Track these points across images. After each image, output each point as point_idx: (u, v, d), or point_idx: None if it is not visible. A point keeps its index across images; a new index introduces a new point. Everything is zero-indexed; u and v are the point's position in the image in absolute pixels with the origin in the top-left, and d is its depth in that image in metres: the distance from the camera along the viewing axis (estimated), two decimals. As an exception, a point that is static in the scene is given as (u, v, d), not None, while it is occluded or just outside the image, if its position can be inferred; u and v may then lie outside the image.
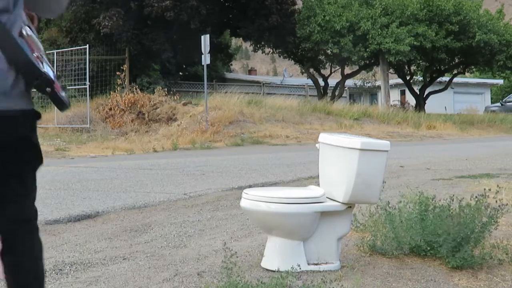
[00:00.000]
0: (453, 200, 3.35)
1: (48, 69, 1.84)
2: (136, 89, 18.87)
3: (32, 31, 1.86)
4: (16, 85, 1.77)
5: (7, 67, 1.72)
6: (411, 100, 31.25)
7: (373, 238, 3.57)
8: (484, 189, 3.56)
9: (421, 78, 31.22)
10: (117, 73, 19.29)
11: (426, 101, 29.45)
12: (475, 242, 3.24)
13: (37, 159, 1.96)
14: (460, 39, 25.55)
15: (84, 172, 8.70)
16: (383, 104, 26.38)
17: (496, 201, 3.44)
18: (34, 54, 1.80)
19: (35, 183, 1.99)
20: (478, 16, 26.08)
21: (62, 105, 1.91)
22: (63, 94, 1.89)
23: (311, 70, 29.50)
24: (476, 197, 3.40)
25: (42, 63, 1.82)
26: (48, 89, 1.83)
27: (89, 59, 17.23)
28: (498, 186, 3.79)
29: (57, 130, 16.19)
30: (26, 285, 1.86)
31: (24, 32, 1.80)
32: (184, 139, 15.61)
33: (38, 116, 1.92)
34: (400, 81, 32.38)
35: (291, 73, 47.05)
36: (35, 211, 1.98)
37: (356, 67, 30.02)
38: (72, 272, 3.33)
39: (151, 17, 21.29)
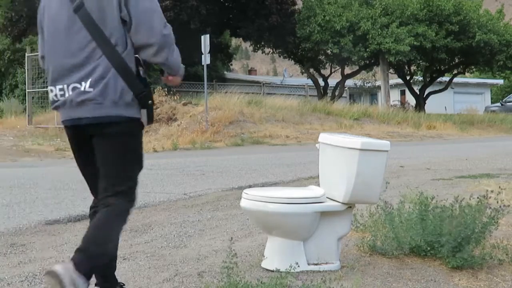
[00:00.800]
0: (457, 201, 3.35)
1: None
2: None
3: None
4: (123, 97, 2.31)
5: (124, 83, 2.31)
6: (411, 100, 31.25)
7: (373, 238, 3.57)
8: (487, 190, 3.56)
9: (421, 78, 31.23)
10: (117, 73, 19.29)
11: (426, 101, 29.45)
12: (476, 242, 3.24)
13: (133, 159, 2.44)
14: (460, 39, 25.56)
15: (84, 172, 8.69)
16: (383, 104, 26.39)
17: (497, 202, 3.44)
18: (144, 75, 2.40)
19: (131, 174, 2.47)
20: (478, 16, 26.09)
21: (152, 118, 2.44)
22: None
23: (311, 70, 29.50)
24: (478, 198, 3.40)
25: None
26: (150, 102, 2.39)
27: (89, 59, 17.22)
28: (500, 187, 3.78)
29: (57, 130, 16.18)
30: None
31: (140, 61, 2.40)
32: (184, 139, 15.61)
33: (140, 125, 2.42)
34: (400, 81, 32.39)
35: (291, 73, 47.06)
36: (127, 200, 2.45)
37: (356, 67, 30.03)
38: (72, 272, 3.33)
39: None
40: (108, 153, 2.38)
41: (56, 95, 2.38)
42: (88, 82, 2.29)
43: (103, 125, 2.32)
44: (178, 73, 2.51)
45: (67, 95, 2.34)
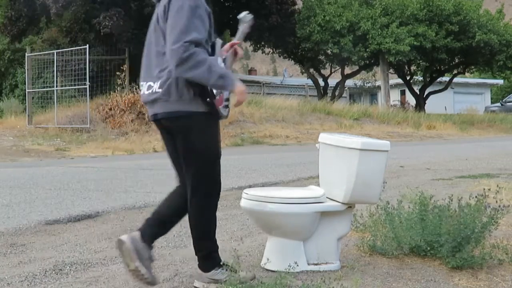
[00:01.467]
0: (452, 200, 3.35)
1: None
2: (136, 89, 18.78)
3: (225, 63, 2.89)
4: (184, 94, 2.66)
5: (184, 81, 2.63)
6: (411, 100, 31.25)
7: (373, 238, 3.57)
8: (484, 189, 3.56)
9: (421, 78, 31.22)
10: (117, 73, 19.21)
11: (426, 101, 29.45)
12: (475, 242, 3.24)
13: (198, 152, 2.73)
14: (460, 39, 25.55)
15: (84, 172, 8.69)
16: (383, 104, 26.38)
17: (497, 201, 3.44)
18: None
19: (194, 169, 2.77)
20: (478, 16, 26.08)
21: (217, 113, 2.72)
22: (221, 107, 2.73)
23: (311, 70, 29.49)
24: (476, 197, 3.40)
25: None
26: (207, 99, 2.67)
27: (89, 59, 17.19)
28: (498, 186, 3.78)
29: (57, 130, 16.16)
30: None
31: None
32: (184, 139, 15.57)
33: (207, 118, 2.69)
34: (400, 81, 32.38)
35: (291, 73, 47.04)
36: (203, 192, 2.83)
37: (356, 67, 30.02)
38: (72, 272, 3.33)
39: (152, 17, 21.26)
40: (179, 146, 2.78)
41: (141, 91, 2.85)
42: (159, 83, 2.70)
43: (172, 119, 2.70)
44: (220, 87, 2.67)
45: (144, 91, 2.79)
